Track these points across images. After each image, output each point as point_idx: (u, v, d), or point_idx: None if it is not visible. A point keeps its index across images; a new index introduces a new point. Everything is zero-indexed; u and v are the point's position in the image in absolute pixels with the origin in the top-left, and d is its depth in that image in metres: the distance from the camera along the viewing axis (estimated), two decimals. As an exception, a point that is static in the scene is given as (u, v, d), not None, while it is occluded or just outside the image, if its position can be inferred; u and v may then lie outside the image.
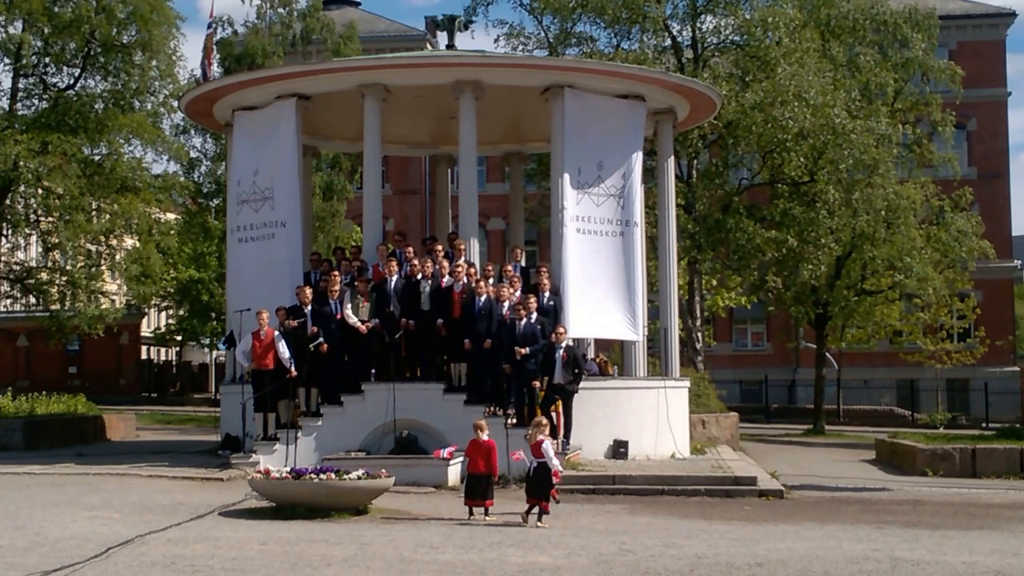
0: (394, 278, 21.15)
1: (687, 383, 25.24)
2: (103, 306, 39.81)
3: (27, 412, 28.79)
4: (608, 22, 37.14)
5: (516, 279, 21.55)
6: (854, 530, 14.79)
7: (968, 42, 56.88)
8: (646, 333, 24.56)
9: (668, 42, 38.38)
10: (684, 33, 38.56)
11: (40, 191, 37.50)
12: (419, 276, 21.12)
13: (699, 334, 38.09)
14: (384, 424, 20.25)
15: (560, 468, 15.79)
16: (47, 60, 37.94)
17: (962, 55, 53.56)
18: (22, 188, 37.77)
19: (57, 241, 37.85)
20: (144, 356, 60.55)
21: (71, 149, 35.25)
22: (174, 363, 63.92)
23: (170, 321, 58.87)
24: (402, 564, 11.64)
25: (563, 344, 20.09)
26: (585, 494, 18.32)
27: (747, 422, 38.63)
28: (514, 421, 19.84)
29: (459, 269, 21.18)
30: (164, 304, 56.27)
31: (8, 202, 37.53)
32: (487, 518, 15.06)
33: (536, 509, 14.74)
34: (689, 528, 14.74)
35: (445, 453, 19.17)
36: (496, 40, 48.25)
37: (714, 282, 44.34)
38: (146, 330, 61.50)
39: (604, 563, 11.85)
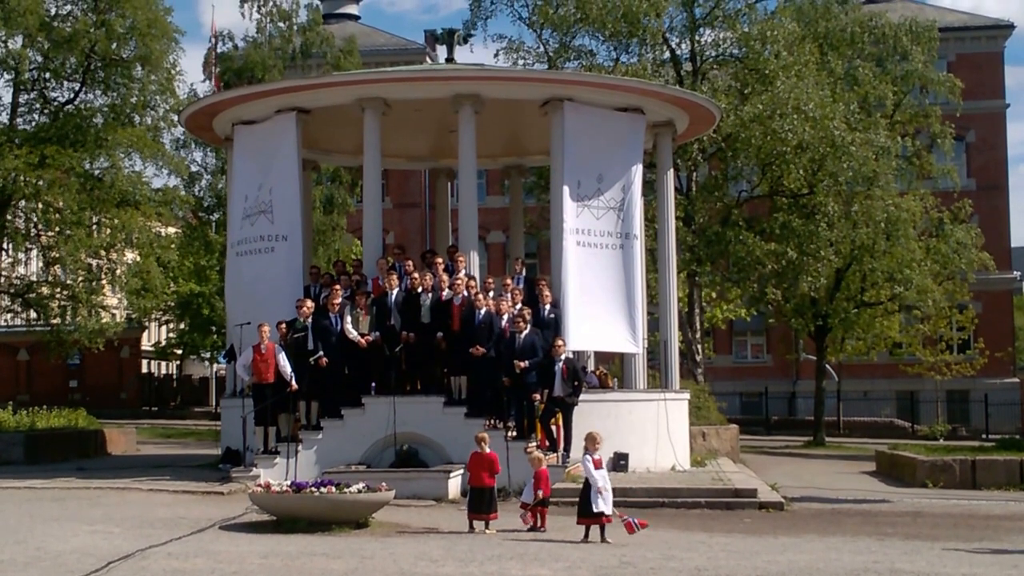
0: (394, 291, 21.19)
1: (687, 395, 25.26)
2: (103, 320, 39.82)
3: (28, 426, 28.83)
4: (607, 36, 37.20)
5: (517, 292, 21.58)
6: (854, 542, 14.79)
7: (967, 54, 56.98)
8: (646, 345, 24.58)
9: (667, 55, 38.49)
10: (683, 46, 38.68)
11: (40, 205, 37.55)
12: (419, 289, 21.14)
13: (699, 346, 38.12)
14: (384, 437, 20.26)
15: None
16: (47, 75, 38.05)
17: (961, 67, 53.64)
18: (22, 203, 37.85)
19: (57, 255, 37.86)
20: (145, 370, 60.51)
21: (70, 163, 35.32)
22: (175, 377, 63.86)
23: (171, 335, 58.85)
24: (403, 577, 11.66)
25: (562, 357, 20.09)
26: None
27: (747, 434, 38.63)
28: (514, 434, 19.89)
29: (459, 282, 21.21)
30: (164, 318, 56.26)
31: (8, 217, 37.59)
32: (487, 531, 15.07)
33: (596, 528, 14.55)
34: (689, 541, 14.74)
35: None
36: (496, 54, 48.35)
37: (714, 294, 44.36)
38: (147, 344, 61.49)
39: (604, 576, 11.86)
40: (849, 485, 24.18)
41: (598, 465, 14.75)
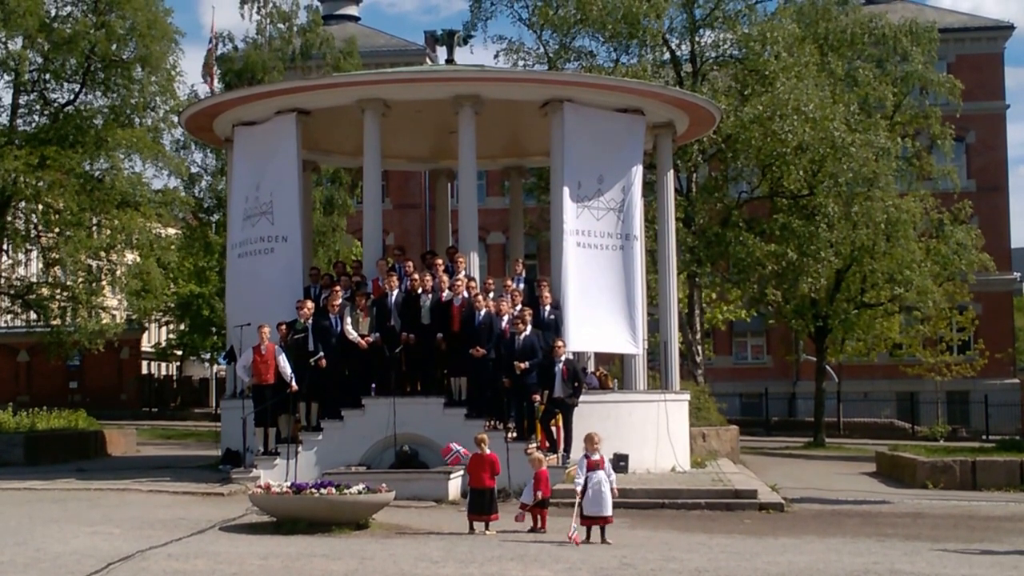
0: (394, 292, 21.19)
1: (687, 396, 25.25)
2: (103, 321, 39.80)
3: (28, 427, 28.80)
4: (607, 37, 37.20)
5: (517, 293, 21.58)
6: (855, 543, 14.79)
7: (967, 55, 56.98)
8: (646, 346, 24.58)
9: (667, 56, 38.50)
10: (683, 47, 38.69)
11: (40, 207, 37.58)
12: (419, 290, 21.15)
13: (699, 347, 38.10)
14: (384, 438, 20.26)
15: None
16: (47, 76, 38.05)
17: (961, 68, 53.65)
18: (22, 204, 37.86)
19: (58, 257, 37.88)
20: (145, 371, 60.46)
21: (70, 164, 35.33)
22: (175, 378, 63.83)
23: (171, 336, 58.86)
24: (403, 579, 11.65)
25: (562, 358, 20.09)
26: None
27: (747, 435, 38.60)
28: (514, 435, 19.89)
29: (459, 283, 21.21)
30: (165, 319, 56.29)
31: (9, 218, 37.60)
32: (487, 532, 15.07)
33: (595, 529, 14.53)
34: (690, 542, 14.73)
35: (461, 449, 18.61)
36: (496, 55, 48.38)
37: (714, 295, 44.37)
38: (147, 345, 61.45)
39: (605, 577, 11.86)
40: (849, 486, 24.18)
41: (597, 465, 14.70)
